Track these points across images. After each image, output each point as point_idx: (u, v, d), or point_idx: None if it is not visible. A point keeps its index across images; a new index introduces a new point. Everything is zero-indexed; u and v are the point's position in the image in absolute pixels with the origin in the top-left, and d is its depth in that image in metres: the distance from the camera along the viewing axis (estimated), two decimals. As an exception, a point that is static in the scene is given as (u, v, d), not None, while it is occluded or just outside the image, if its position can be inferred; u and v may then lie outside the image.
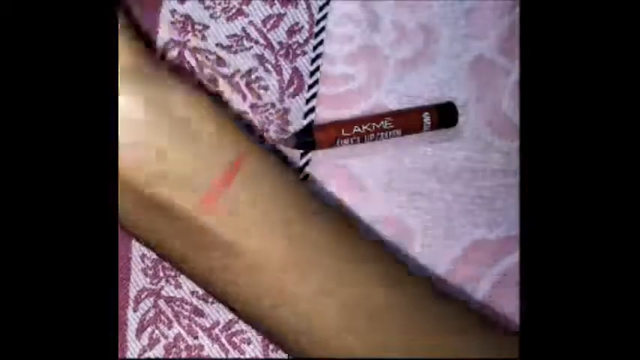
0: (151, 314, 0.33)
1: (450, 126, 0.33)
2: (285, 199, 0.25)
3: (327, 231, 0.26)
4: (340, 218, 0.27)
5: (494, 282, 0.33)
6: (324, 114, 0.34)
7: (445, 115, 0.33)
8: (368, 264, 0.26)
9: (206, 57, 0.34)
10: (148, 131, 0.23)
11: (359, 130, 0.33)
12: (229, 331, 0.33)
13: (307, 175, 0.34)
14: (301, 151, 0.34)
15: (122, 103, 0.22)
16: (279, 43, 0.34)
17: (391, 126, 0.33)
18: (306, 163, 0.34)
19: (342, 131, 0.33)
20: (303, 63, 0.34)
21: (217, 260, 0.24)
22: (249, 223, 0.24)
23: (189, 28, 0.34)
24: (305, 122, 0.34)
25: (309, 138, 0.33)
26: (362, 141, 0.33)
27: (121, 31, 0.23)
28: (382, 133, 0.33)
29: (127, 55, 0.23)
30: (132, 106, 0.23)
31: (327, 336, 0.25)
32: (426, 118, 0.33)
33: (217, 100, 0.29)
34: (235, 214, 0.24)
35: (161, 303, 0.33)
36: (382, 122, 0.33)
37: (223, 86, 0.34)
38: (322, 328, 0.25)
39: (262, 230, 0.24)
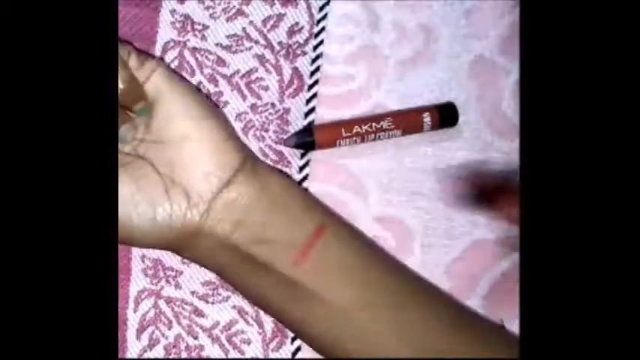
0: (151, 314, 0.33)
1: (450, 126, 0.33)
2: (361, 253, 0.30)
3: (397, 278, 0.30)
4: (404, 266, 0.32)
5: (494, 282, 0.33)
6: (325, 114, 0.34)
7: (445, 115, 0.33)
8: (431, 305, 0.30)
9: (206, 57, 0.34)
10: (255, 208, 0.29)
11: (359, 130, 0.33)
12: (229, 331, 0.33)
13: (306, 176, 0.34)
14: (301, 151, 0.34)
15: (234, 192, 0.29)
16: (279, 43, 0.34)
17: (391, 126, 0.33)
18: (306, 164, 0.34)
19: (343, 131, 0.33)
20: (303, 63, 0.34)
21: (303, 310, 0.29)
22: (329, 275, 0.29)
23: (189, 28, 0.34)
24: (305, 122, 0.34)
25: (309, 138, 0.33)
26: (362, 141, 0.33)
27: (230, 136, 0.30)
28: (382, 133, 0.33)
29: (238, 154, 0.30)
30: (242, 193, 0.29)
31: None
32: (427, 118, 0.33)
33: (299, 182, 0.34)
34: (321, 269, 0.29)
35: (161, 303, 0.33)
36: (382, 122, 0.33)
37: (223, 86, 0.34)
38: None
39: (339, 281, 0.29)
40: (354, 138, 0.33)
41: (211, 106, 0.30)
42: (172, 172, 0.29)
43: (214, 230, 0.29)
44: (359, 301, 0.29)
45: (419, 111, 0.33)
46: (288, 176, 0.32)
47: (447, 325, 0.29)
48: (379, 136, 0.33)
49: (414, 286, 0.31)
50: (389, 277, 0.30)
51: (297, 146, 0.33)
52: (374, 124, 0.33)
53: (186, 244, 0.29)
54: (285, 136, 0.34)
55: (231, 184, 0.29)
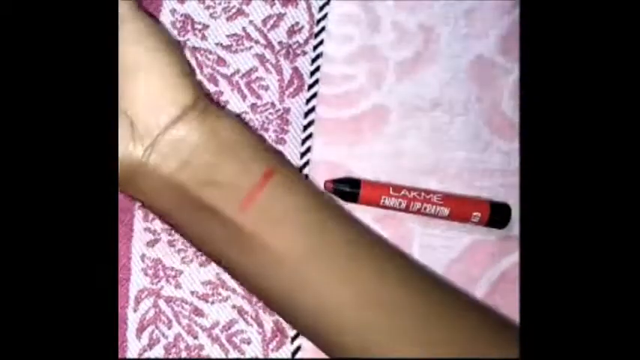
0: (150, 314, 0.33)
1: (499, 227, 0.33)
2: (309, 200, 0.29)
3: (347, 228, 0.29)
4: (357, 220, 0.31)
5: (494, 282, 0.33)
6: (325, 114, 0.34)
7: (496, 216, 0.32)
8: (382, 257, 0.29)
9: (206, 56, 0.34)
10: (203, 149, 0.28)
11: (406, 194, 0.32)
12: (229, 331, 0.33)
13: (306, 176, 0.34)
14: (301, 151, 0.33)
15: (183, 130, 0.28)
16: (280, 42, 0.34)
17: (440, 202, 0.32)
18: (307, 163, 0.34)
19: (390, 190, 0.32)
20: (303, 63, 0.34)
21: (251, 259, 0.28)
22: (276, 221, 0.28)
23: (189, 28, 0.34)
24: (305, 122, 0.34)
25: (354, 189, 0.32)
26: (407, 208, 0.32)
27: (185, 73, 0.29)
28: (429, 205, 0.32)
29: (191, 92, 0.29)
30: (191, 131, 0.28)
31: (343, 321, 0.28)
32: (475, 218, 0.32)
33: (250, 125, 0.33)
34: (267, 215, 0.28)
35: (161, 303, 0.33)
36: (432, 195, 0.32)
37: (223, 86, 0.34)
38: (338, 317, 0.28)
39: (285, 227, 0.28)
40: (399, 200, 0.32)
41: (170, 41, 0.29)
42: (120, 100, 0.28)
43: (159, 167, 0.28)
44: (306, 249, 0.28)
45: (472, 205, 0.32)
46: (241, 120, 0.31)
47: (400, 280, 0.28)
48: (425, 208, 0.32)
49: (368, 239, 0.30)
50: (340, 227, 0.29)
51: (338, 193, 0.33)
52: (423, 193, 0.32)
53: (127, 179, 0.28)
54: (284, 136, 0.34)
55: (180, 122, 0.28)
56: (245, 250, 0.28)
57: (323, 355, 0.30)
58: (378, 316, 0.27)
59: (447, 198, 0.32)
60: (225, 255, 0.29)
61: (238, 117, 0.31)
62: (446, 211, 0.32)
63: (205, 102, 0.30)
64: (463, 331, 0.28)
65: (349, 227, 0.30)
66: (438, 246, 0.33)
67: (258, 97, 0.34)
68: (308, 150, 0.34)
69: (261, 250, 0.28)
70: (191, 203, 0.28)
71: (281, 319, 0.33)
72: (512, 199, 0.33)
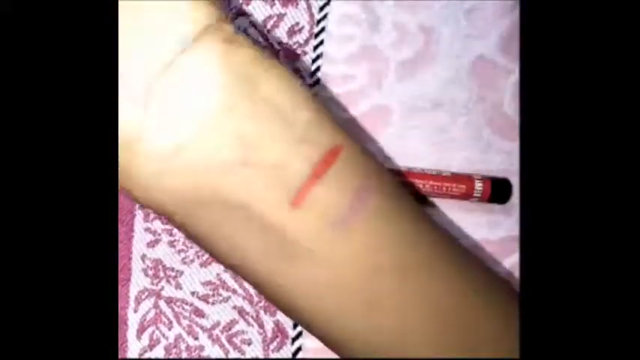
0: (151, 315, 0.33)
1: (501, 202, 0.33)
2: (384, 193, 0.20)
3: (431, 234, 0.23)
4: (437, 223, 0.24)
5: (495, 282, 0.33)
6: (325, 114, 0.34)
7: (498, 189, 0.32)
8: (464, 273, 0.23)
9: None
10: (231, 115, 0.18)
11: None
12: (230, 332, 0.33)
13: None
14: None
15: (194, 67, 0.18)
16: (280, 43, 0.34)
17: (443, 178, 0.32)
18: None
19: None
20: (304, 63, 0.34)
21: (295, 273, 0.20)
22: (338, 223, 0.19)
23: (190, 29, 0.34)
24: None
25: None
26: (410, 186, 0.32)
27: None
28: (431, 182, 0.32)
29: (210, 10, 0.19)
30: (206, 67, 0.18)
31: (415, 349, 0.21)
32: (478, 192, 0.32)
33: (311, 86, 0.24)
34: (327, 213, 0.19)
35: (161, 303, 0.33)
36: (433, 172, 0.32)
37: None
38: (412, 347, 0.21)
39: (353, 233, 0.20)
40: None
41: None
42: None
43: (157, 135, 0.18)
44: (377, 262, 0.20)
45: (473, 179, 0.32)
46: (297, 77, 0.22)
47: (479, 298, 0.22)
48: (427, 184, 0.32)
49: (451, 249, 0.23)
50: (422, 235, 0.21)
51: None
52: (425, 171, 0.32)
53: (123, 164, 0.20)
54: None
55: (191, 50, 0.18)
56: (289, 263, 0.19)
57: (323, 356, 0.30)
58: (456, 339, 0.21)
59: (450, 175, 0.32)
60: (261, 270, 0.20)
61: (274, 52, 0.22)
62: (449, 186, 0.32)
63: (231, 28, 0.19)
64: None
65: (434, 234, 0.22)
66: (438, 246, 0.33)
67: (259, 97, 0.34)
68: (308, 150, 0.34)
69: (313, 264, 0.19)
70: (207, 197, 0.19)
71: (282, 320, 0.33)
72: (513, 199, 0.33)
